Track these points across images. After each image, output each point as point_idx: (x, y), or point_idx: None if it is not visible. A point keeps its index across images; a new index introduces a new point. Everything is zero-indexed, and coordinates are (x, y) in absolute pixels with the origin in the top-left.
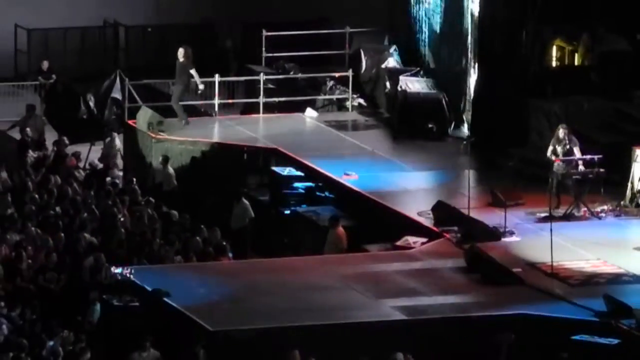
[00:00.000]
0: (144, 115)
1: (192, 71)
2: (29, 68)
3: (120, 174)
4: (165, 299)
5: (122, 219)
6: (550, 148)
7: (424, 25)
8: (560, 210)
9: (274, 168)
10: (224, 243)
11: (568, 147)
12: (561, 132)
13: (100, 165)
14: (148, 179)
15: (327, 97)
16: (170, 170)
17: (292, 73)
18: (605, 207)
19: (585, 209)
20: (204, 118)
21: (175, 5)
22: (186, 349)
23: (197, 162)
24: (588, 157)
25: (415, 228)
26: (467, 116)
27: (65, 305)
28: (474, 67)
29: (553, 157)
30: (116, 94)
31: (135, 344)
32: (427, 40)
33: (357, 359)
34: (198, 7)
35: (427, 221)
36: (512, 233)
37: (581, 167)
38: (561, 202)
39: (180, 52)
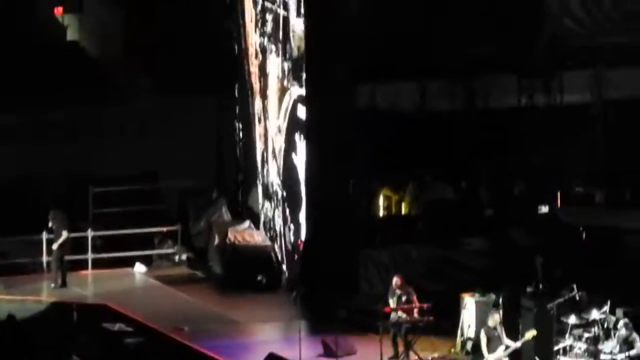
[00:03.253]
0: None
1: (65, 232)
2: None
3: None
4: None
5: None
6: (390, 298)
7: (254, 179)
8: None
9: (104, 324)
10: None
11: (405, 297)
12: (393, 282)
13: None
14: None
15: (156, 252)
16: None
17: (120, 228)
18: (435, 355)
19: (416, 357)
20: (31, 276)
21: None
22: None
23: (25, 320)
24: (417, 305)
25: None
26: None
27: None
28: (303, 217)
29: (383, 307)
30: None
31: None
32: (256, 194)
33: None
34: (22, 162)
35: None
36: None
37: (415, 316)
38: (393, 351)
39: (51, 214)
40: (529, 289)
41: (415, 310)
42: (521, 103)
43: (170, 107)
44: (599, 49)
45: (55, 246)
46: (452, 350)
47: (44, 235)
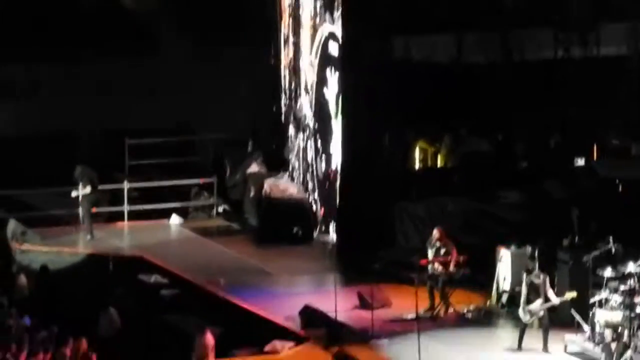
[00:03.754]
0: (9, 226)
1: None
2: None
3: None
4: None
5: None
6: (428, 250)
7: (290, 131)
8: (428, 312)
9: (140, 276)
10: (91, 353)
11: (444, 250)
12: (433, 234)
13: None
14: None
15: (192, 203)
16: (23, 279)
17: (156, 180)
18: (471, 307)
19: (452, 309)
20: (67, 228)
21: (36, 115)
22: None
23: (62, 272)
24: (454, 258)
25: (283, 332)
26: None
27: None
28: (339, 171)
29: (420, 259)
30: None
31: None
32: (292, 145)
33: None
34: (59, 116)
35: (294, 325)
36: (379, 335)
37: (451, 268)
38: (430, 304)
39: (77, 170)
40: (564, 242)
41: (452, 263)
42: (557, 56)
43: (205, 59)
44: (636, 1)
45: (74, 194)
46: (488, 302)
47: (80, 187)
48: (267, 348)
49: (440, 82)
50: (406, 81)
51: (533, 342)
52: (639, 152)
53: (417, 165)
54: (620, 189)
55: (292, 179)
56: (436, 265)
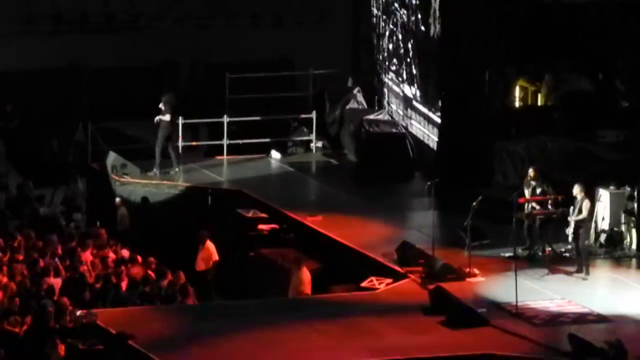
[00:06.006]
0: (109, 159)
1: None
2: None
3: (84, 217)
4: (130, 342)
5: (85, 262)
6: (525, 189)
7: (388, 66)
8: (525, 251)
9: (239, 210)
10: (189, 286)
11: (540, 189)
12: (529, 173)
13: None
14: (113, 223)
15: (292, 139)
16: (124, 211)
17: (255, 115)
18: (569, 247)
19: (549, 248)
20: (167, 160)
21: (137, 48)
22: None
23: (160, 204)
24: (552, 197)
25: (380, 269)
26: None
27: (29, 350)
28: (437, 108)
29: (518, 198)
30: (79, 137)
31: None
32: (391, 81)
33: None
34: (160, 49)
35: (391, 262)
36: (476, 273)
37: (549, 207)
38: (527, 242)
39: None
40: None
41: (550, 202)
42: None
43: None
44: None
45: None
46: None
47: (180, 120)
48: (364, 284)
49: (541, 20)
50: (507, 19)
51: (633, 277)
52: None
53: (517, 104)
54: None
55: (392, 117)
56: (533, 204)
